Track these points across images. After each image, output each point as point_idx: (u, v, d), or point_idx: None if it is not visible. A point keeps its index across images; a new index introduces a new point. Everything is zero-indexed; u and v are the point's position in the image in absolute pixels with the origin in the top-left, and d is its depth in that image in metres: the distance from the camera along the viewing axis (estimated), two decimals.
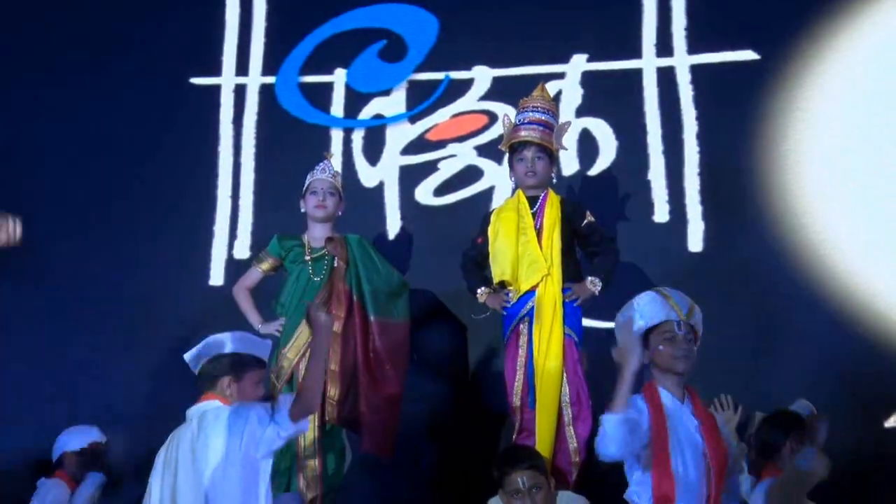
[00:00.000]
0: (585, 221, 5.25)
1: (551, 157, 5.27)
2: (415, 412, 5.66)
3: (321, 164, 5.57)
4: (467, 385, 6.06)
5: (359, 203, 6.23)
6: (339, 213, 5.49)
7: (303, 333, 5.23)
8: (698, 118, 6.23)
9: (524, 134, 5.23)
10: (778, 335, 5.85)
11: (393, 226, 6.43)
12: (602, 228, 5.39)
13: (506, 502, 4.37)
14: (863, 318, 5.80)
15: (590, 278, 5.18)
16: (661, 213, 6.17)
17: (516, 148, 5.25)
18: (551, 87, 6.06)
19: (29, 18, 6.79)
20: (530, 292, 5.13)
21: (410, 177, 6.51)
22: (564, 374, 5.08)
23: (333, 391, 5.21)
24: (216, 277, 6.46)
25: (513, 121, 5.37)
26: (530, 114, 5.31)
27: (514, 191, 5.42)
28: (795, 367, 5.74)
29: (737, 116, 6.18)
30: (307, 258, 5.40)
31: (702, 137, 6.20)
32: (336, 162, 6.29)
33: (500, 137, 5.63)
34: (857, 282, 5.88)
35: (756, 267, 5.99)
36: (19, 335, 5.95)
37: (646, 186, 6.21)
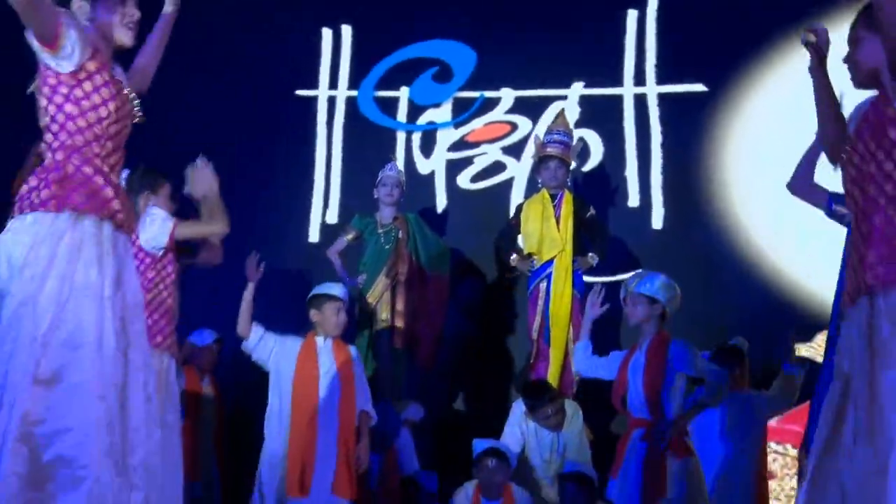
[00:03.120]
0: (589, 214, 6.17)
1: (568, 167, 6.19)
2: (456, 341, 6.52)
3: (389, 164, 6.36)
4: (495, 323, 6.84)
5: (416, 186, 6.97)
6: (402, 200, 6.36)
7: (379, 284, 6.15)
8: (662, 132, 6.97)
9: (550, 150, 6.13)
10: (719, 290, 6.52)
11: (441, 203, 7.16)
12: (600, 219, 6.28)
13: (533, 419, 5.31)
14: (776, 279, 6.59)
15: (590, 254, 6.12)
16: (634, 200, 6.93)
17: (543, 159, 6.17)
18: (556, 106, 6.89)
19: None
20: (549, 261, 6.03)
21: (454, 168, 7.16)
22: (570, 321, 5.96)
23: (400, 324, 6.17)
24: (313, 236, 7.18)
25: (541, 139, 6.24)
26: (555, 136, 6.17)
27: (539, 189, 6.25)
28: (729, 314, 6.43)
29: (691, 131, 6.90)
30: (379, 231, 6.26)
31: (665, 146, 6.95)
32: (399, 158, 7.11)
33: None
34: (774, 254, 6.62)
35: (702, 241, 6.73)
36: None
37: (623, 180, 6.96)
